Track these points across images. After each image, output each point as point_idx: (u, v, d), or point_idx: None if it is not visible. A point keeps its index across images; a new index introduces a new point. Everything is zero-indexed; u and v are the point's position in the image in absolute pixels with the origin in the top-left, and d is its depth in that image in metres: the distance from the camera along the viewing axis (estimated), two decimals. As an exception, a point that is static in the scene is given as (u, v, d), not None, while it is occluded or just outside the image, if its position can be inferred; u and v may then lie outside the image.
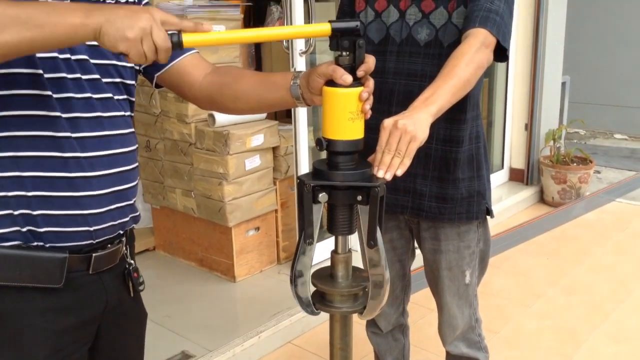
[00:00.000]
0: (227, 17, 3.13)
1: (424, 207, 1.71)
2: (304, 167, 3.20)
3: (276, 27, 1.14)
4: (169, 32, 1.03)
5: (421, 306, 2.90)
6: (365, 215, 1.19)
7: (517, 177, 4.76)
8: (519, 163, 4.76)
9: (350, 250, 1.25)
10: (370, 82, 1.16)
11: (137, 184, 1.37)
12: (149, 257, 3.55)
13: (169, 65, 1.37)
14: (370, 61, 1.16)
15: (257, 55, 3.84)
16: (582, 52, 6.77)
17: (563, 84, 4.95)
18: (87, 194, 1.22)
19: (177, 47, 1.04)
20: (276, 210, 3.35)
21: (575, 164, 4.54)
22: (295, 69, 3.06)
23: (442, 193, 1.69)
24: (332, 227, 1.24)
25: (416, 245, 1.88)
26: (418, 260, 1.93)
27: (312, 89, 1.22)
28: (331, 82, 1.17)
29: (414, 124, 1.21)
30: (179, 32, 1.04)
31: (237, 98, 1.34)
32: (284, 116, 3.56)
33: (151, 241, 3.60)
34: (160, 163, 3.36)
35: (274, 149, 3.27)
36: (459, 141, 1.66)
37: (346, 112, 1.16)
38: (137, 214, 1.40)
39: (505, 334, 2.86)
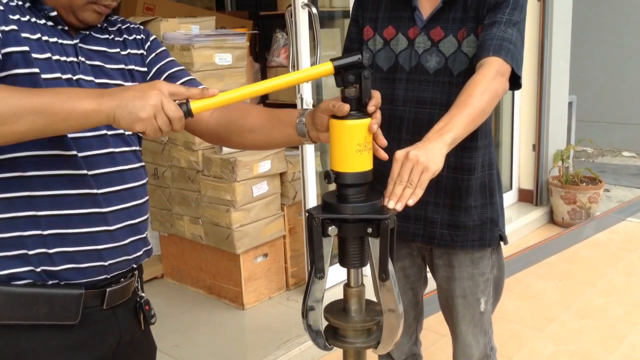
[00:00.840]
0: (233, 46, 3.15)
1: (435, 235, 1.69)
2: (312, 193, 3.19)
3: (279, 77, 1.14)
4: (178, 103, 1.06)
5: (432, 332, 2.86)
6: (376, 248, 1.18)
7: (526, 198, 4.73)
8: (528, 184, 4.73)
9: (363, 284, 1.24)
10: (378, 114, 1.16)
11: (148, 217, 1.37)
12: (157, 285, 3.53)
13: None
14: (377, 96, 1.16)
15: (263, 82, 3.85)
16: (587, 71, 6.77)
17: (570, 103, 4.94)
18: (102, 229, 1.22)
19: (188, 116, 1.08)
20: (284, 236, 3.33)
21: (584, 184, 4.51)
22: (301, 95, 3.07)
23: (454, 221, 1.67)
24: (343, 260, 1.22)
25: (428, 272, 1.86)
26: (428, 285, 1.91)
27: (318, 126, 1.22)
28: (338, 116, 1.16)
29: (426, 155, 1.21)
30: (187, 100, 1.08)
31: (244, 135, 1.34)
32: (291, 141, 3.54)
33: (159, 269, 3.58)
34: (168, 190, 3.36)
35: (282, 175, 3.26)
36: (471, 169, 1.64)
37: (354, 144, 1.15)
38: (150, 247, 1.40)
39: (519, 359, 2.81)
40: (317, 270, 1.20)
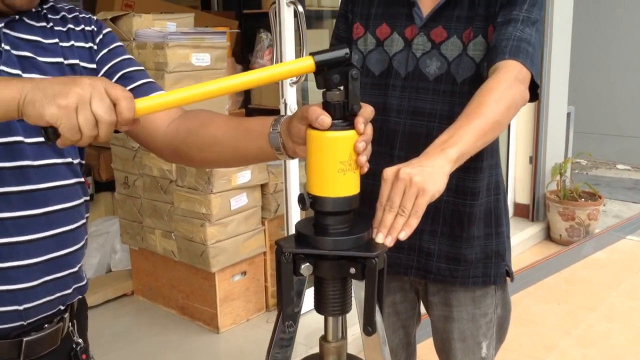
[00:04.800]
0: (212, 45, 2.91)
1: (431, 269, 1.45)
2: (295, 206, 2.95)
3: (246, 73, 0.88)
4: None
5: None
6: (361, 293, 0.95)
7: (522, 212, 4.51)
8: (524, 198, 4.51)
9: (344, 336, 0.99)
10: (368, 129, 0.92)
11: (83, 245, 1.13)
12: (126, 303, 3.27)
13: None
14: (367, 112, 0.92)
15: (245, 85, 3.61)
16: (583, 82, 6.60)
17: (568, 114, 4.74)
18: (14, 265, 0.98)
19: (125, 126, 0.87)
20: (265, 253, 3.08)
21: (583, 200, 4.30)
22: (285, 100, 2.83)
23: (454, 253, 1.43)
24: (320, 306, 0.99)
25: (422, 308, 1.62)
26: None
27: (294, 137, 0.98)
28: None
29: (422, 173, 0.97)
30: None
31: (205, 147, 1.09)
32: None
33: (129, 285, 3.32)
34: (139, 201, 3.10)
35: (263, 187, 3.02)
36: (475, 193, 1.41)
37: (336, 161, 0.91)
38: (84, 282, 1.15)
39: (518, 393, 2.58)
40: (285, 317, 0.96)
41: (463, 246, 1.42)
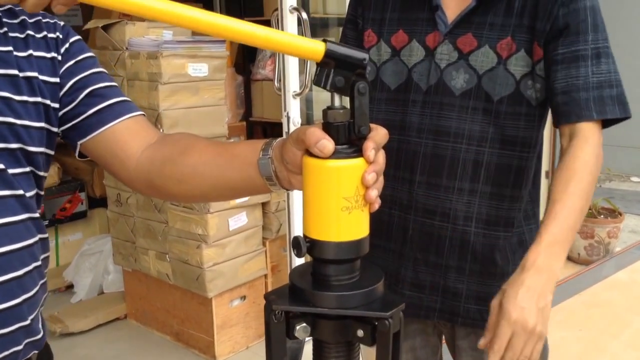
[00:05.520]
0: (210, 55, 2.73)
1: (458, 311, 1.27)
2: (299, 225, 2.75)
3: (240, 21, 0.68)
4: None
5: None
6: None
7: (538, 230, 4.30)
8: (541, 214, 4.30)
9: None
10: (380, 157, 0.73)
11: (37, 292, 0.94)
12: (119, 327, 3.09)
13: (97, 132, 0.96)
14: (379, 135, 0.73)
15: (246, 96, 3.44)
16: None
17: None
18: None
19: None
20: (266, 276, 2.90)
21: (602, 217, 4.09)
22: (287, 113, 2.65)
23: (485, 292, 1.25)
24: (320, 376, 0.79)
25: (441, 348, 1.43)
26: None
27: (289, 164, 0.79)
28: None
29: (542, 319, 1.01)
30: None
31: (184, 179, 0.91)
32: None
33: (122, 308, 3.13)
34: (132, 220, 2.92)
35: (264, 205, 2.84)
36: (509, 223, 1.24)
37: (339, 197, 0.72)
38: (39, 336, 0.96)
39: None
40: (278, 390, 0.76)
41: (495, 284, 1.23)
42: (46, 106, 0.92)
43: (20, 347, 0.91)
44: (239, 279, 2.75)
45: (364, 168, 0.72)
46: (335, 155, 0.72)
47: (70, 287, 3.38)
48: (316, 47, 0.71)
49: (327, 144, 0.70)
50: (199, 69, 2.67)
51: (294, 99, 2.69)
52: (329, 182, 0.72)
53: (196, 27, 0.72)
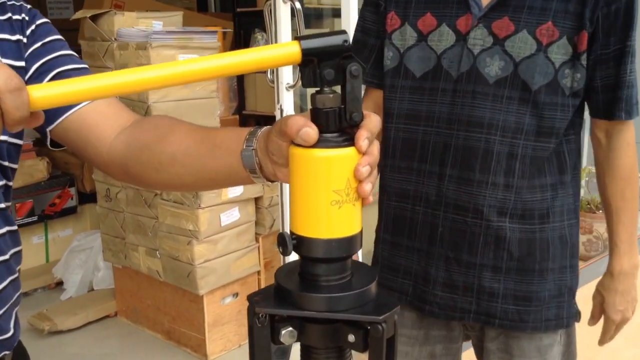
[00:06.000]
0: (202, 46, 2.66)
1: (496, 312, 1.21)
2: (292, 221, 2.70)
3: (204, 58, 0.62)
4: None
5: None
6: (364, 367, 0.69)
7: (535, 225, 4.25)
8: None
9: None
10: (374, 147, 0.67)
11: (4, 288, 0.87)
12: (109, 325, 3.02)
13: (64, 116, 0.89)
14: (373, 123, 0.66)
15: (239, 89, 3.37)
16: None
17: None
18: None
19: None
20: (259, 272, 2.83)
21: (601, 212, 4.04)
22: (280, 106, 2.58)
23: (524, 291, 1.20)
24: (308, 383, 0.73)
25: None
26: None
27: (274, 155, 0.73)
28: None
29: (634, 305, 1.32)
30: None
31: (162, 167, 0.84)
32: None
33: (112, 305, 3.06)
34: (121, 215, 2.85)
35: (256, 200, 2.77)
36: (543, 215, 1.19)
37: (328, 190, 0.66)
38: (8, 335, 0.90)
39: None
40: (262, 401, 0.70)
41: (535, 281, 1.20)
42: None
43: None
44: (231, 276, 2.68)
45: (355, 158, 0.66)
46: (325, 144, 0.65)
47: (60, 283, 3.32)
48: (291, 50, 0.65)
49: (310, 131, 0.64)
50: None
51: (287, 91, 2.62)
52: (317, 173, 0.66)
53: (161, 83, 0.64)
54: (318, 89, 0.68)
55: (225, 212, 2.61)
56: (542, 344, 1.24)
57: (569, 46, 1.12)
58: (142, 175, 0.88)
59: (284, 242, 0.69)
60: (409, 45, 1.22)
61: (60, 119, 0.89)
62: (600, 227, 3.96)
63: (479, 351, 1.34)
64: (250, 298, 0.71)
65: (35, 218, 3.30)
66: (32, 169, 3.27)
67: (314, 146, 0.65)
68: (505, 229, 1.18)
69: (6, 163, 0.87)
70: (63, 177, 3.44)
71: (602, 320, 1.40)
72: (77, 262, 3.23)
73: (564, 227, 1.22)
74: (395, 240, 1.26)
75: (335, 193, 0.66)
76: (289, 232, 0.69)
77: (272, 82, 2.62)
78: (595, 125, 1.23)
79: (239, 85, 3.34)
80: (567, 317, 1.26)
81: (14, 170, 0.90)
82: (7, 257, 0.87)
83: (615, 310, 1.30)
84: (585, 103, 1.21)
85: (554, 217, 1.20)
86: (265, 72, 2.99)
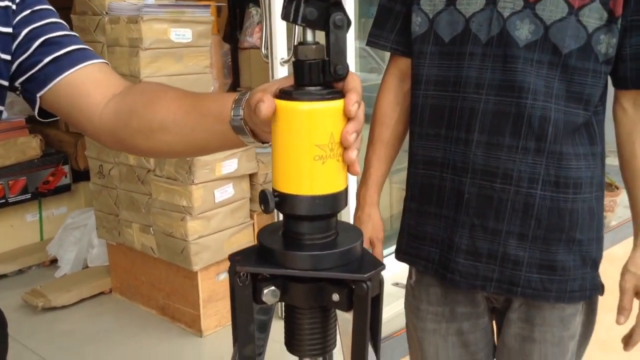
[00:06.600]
0: (194, 20, 2.62)
1: (519, 281, 1.19)
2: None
3: None
4: None
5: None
6: (348, 327, 0.67)
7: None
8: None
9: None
10: (360, 112, 0.66)
11: None
12: (104, 302, 3.02)
13: (55, 80, 0.88)
14: (358, 83, 0.66)
15: (234, 65, 3.33)
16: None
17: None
18: None
19: None
20: (253, 249, 2.81)
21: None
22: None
23: (550, 260, 1.18)
24: (293, 345, 0.72)
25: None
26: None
27: (256, 125, 0.72)
28: (285, 94, 0.65)
29: None
30: None
31: (153, 135, 0.84)
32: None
33: (107, 282, 3.06)
34: (115, 192, 2.83)
35: (251, 177, 2.75)
36: (577, 184, 1.17)
37: (311, 145, 0.64)
38: None
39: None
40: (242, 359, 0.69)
41: (560, 251, 1.17)
42: None
43: None
44: (225, 252, 2.66)
45: (339, 112, 0.64)
46: (308, 97, 0.64)
47: (54, 261, 3.30)
48: None
49: (262, 105, 0.64)
50: (182, 34, 2.56)
51: (281, 66, 2.58)
52: (299, 127, 0.64)
53: None
54: (299, 41, 0.66)
55: (219, 189, 2.59)
56: (565, 314, 1.23)
57: (604, 11, 1.09)
58: (133, 142, 0.87)
59: (265, 199, 0.67)
60: (438, 10, 1.20)
61: (52, 84, 0.87)
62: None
63: (499, 321, 1.32)
64: (231, 257, 0.69)
65: (28, 195, 3.28)
66: (25, 147, 3.24)
67: (296, 99, 0.64)
68: (535, 196, 1.16)
69: None
70: (57, 154, 3.41)
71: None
72: (72, 240, 3.22)
73: (592, 198, 1.20)
74: (423, 209, 1.25)
75: (318, 148, 0.64)
76: (271, 190, 0.68)
77: (267, 57, 2.59)
78: (621, 96, 1.19)
79: (233, 62, 3.30)
80: (590, 289, 1.23)
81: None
82: None
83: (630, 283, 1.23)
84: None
85: (584, 188, 1.18)
86: (259, 48, 2.95)
